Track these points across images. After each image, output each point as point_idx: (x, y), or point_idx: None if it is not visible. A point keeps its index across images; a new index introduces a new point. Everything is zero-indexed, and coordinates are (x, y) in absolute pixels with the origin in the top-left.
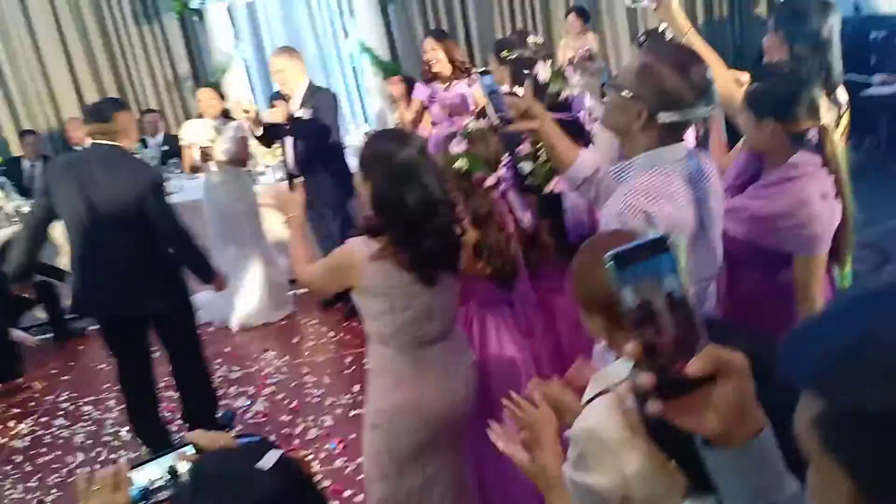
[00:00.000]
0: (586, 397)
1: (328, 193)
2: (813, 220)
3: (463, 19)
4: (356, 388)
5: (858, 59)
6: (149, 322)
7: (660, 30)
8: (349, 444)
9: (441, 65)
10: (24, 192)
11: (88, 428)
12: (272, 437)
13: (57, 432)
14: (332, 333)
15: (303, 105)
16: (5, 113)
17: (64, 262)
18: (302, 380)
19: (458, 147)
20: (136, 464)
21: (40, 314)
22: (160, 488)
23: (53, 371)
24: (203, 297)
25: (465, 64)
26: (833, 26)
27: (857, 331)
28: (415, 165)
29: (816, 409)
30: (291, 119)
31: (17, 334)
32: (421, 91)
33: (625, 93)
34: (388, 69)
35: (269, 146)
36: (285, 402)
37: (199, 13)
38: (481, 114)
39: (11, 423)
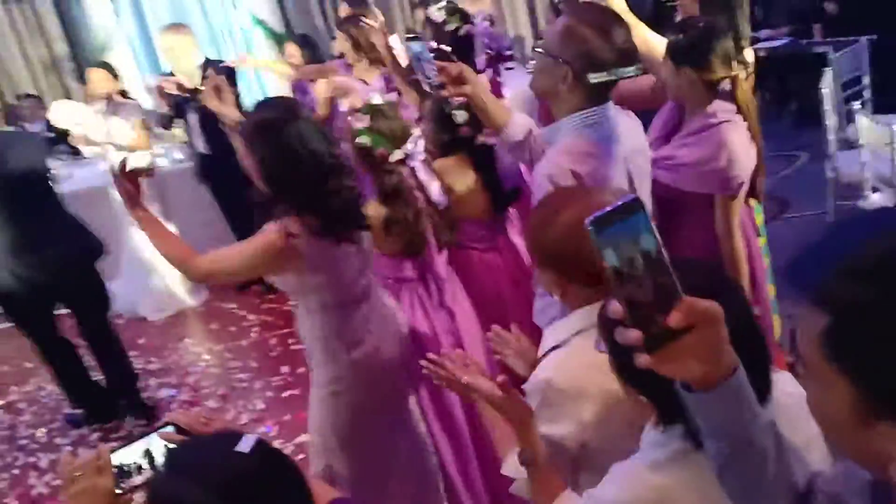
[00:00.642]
0: (541, 351)
1: (233, 170)
2: (732, 162)
3: None
4: (285, 369)
5: None
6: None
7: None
8: (284, 426)
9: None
10: None
11: (2, 433)
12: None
13: None
14: (252, 317)
15: (200, 82)
16: None
17: None
18: (227, 365)
19: (359, 123)
20: (116, 447)
21: None
22: (139, 470)
23: None
24: (112, 288)
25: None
26: None
27: (854, 250)
28: (300, 131)
29: (822, 325)
30: (194, 92)
31: None
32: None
33: (549, 56)
34: (283, 41)
35: (167, 127)
36: (212, 389)
37: None
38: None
39: None
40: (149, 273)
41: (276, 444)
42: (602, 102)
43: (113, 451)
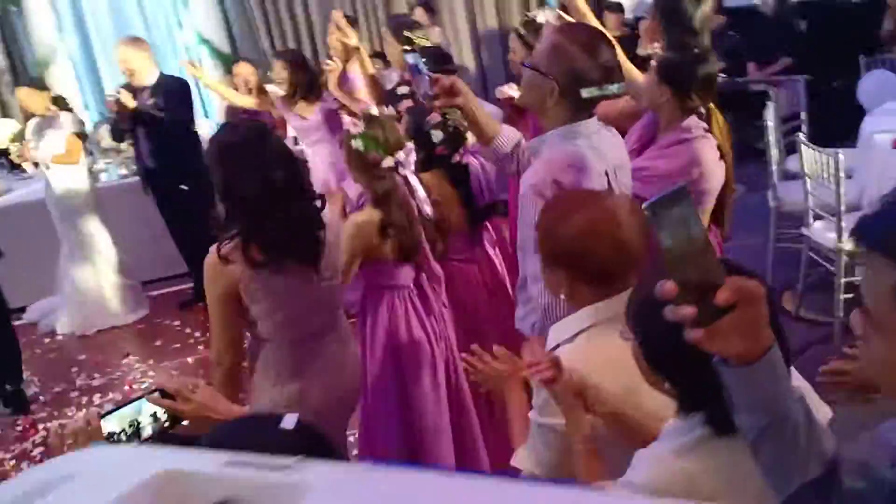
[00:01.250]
0: (547, 347)
1: (188, 194)
2: (703, 176)
3: (303, 6)
4: None
5: None
6: None
7: (538, 20)
8: None
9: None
10: None
11: None
12: None
13: None
14: (197, 334)
15: (154, 96)
16: None
17: None
18: None
19: (355, 128)
20: (105, 412)
21: None
22: (127, 435)
23: None
24: (46, 305)
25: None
26: (707, 15)
27: None
28: (250, 150)
29: (894, 277)
30: (137, 112)
31: None
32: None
33: (538, 71)
34: (229, 61)
35: (120, 140)
36: None
37: (16, 2)
38: (387, 101)
39: None
40: (82, 288)
41: None
42: (587, 117)
43: (102, 416)
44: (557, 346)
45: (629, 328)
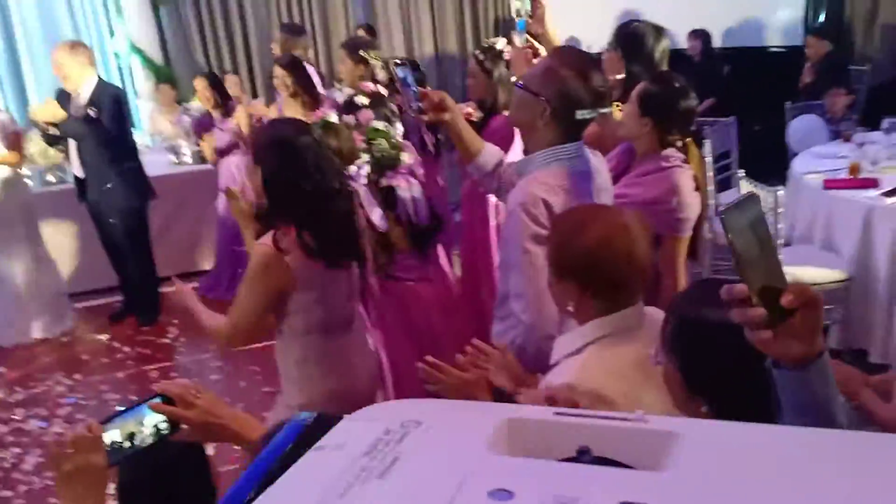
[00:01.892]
0: (554, 359)
1: (117, 198)
2: (682, 205)
3: (241, 22)
4: None
5: None
6: None
7: (497, 47)
8: None
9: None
10: None
11: None
12: None
13: None
14: (127, 348)
15: (91, 104)
16: None
17: None
18: (103, 398)
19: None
20: (105, 419)
21: None
22: (130, 443)
23: None
24: None
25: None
26: (665, 50)
27: None
28: (311, 151)
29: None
30: (69, 118)
31: None
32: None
33: (529, 92)
34: (161, 73)
35: (52, 144)
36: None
37: None
38: (347, 110)
39: None
40: (7, 297)
41: None
42: (575, 140)
43: (103, 423)
44: (565, 357)
45: (665, 352)
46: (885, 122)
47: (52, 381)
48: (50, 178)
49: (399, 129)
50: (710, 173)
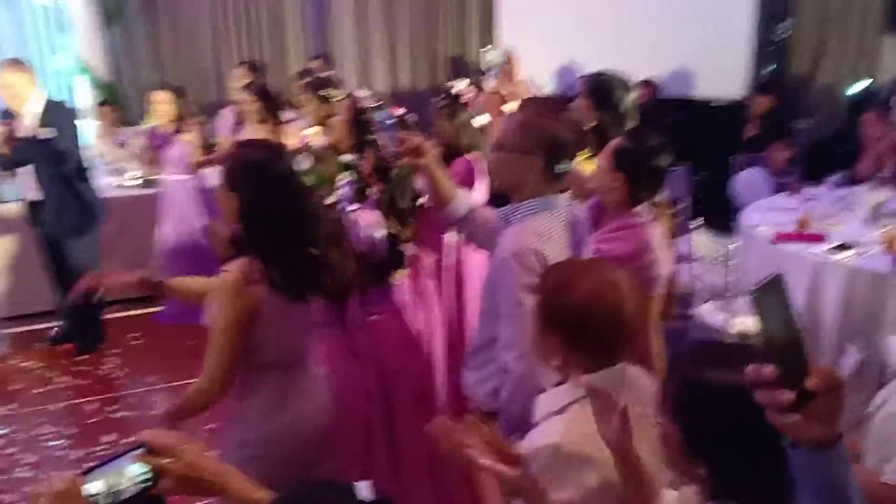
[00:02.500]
0: (537, 417)
1: (71, 218)
2: (654, 262)
3: (192, 43)
4: (109, 437)
5: None
6: None
7: (452, 91)
8: None
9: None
10: None
11: None
12: (12, 497)
13: None
14: (64, 378)
15: (43, 124)
16: None
17: None
18: (36, 431)
19: (303, 164)
20: (86, 470)
21: None
22: (110, 497)
23: None
24: None
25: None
26: (633, 102)
27: None
28: (288, 178)
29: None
30: (26, 141)
31: None
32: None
33: (514, 152)
34: (109, 92)
35: (11, 168)
36: (20, 456)
37: None
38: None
39: None
40: None
41: None
42: (561, 189)
43: (84, 473)
44: (543, 417)
45: (665, 413)
46: (831, 178)
47: None
48: None
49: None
50: None
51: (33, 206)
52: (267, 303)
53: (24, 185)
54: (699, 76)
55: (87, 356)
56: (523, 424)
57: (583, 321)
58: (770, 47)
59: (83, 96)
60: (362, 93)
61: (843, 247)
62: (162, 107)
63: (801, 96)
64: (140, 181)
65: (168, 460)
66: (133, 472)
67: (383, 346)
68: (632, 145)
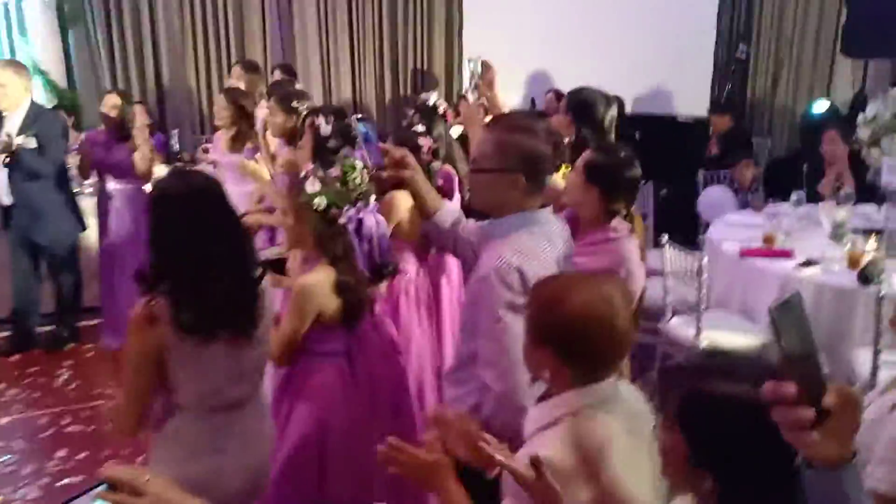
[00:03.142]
0: (527, 431)
1: (53, 227)
2: (630, 275)
3: (153, 49)
4: (61, 452)
5: None
6: None
7: (429, 104)
8: None
9: None
10: None
11: None
12: None
13: None
14: (14, 391)
15: (24, 130)
16: None
17: None
18: None
19: (312, 187)
20: None
21: None
22: None
23: None
24: None
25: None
26: (614, 117)
27: None
28: (197, 210)
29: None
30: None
31: None
32: None
33: (494, 171)
34: (64, 97)
35: None
36: None
37: None
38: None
39: None
40: None
41: None
42: (541, 204)
43: None
44: (533, 431)
45: (667, 425)
46: (794, 195)
47: None
48: None
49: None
50: None
51: (5, 210)
52: (177, 344)
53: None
54: (665, 93)
55: (35, 368)
56: (503, 442)
57: (574, 335)
58: (730, 67)
59: (39, 100)
60: (323, 121)
61: (808, 263)
62: (112, 109)
63: (759, 114)
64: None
65: (134, 498)
66: None
67: (363, 359)
68: (603, 158)
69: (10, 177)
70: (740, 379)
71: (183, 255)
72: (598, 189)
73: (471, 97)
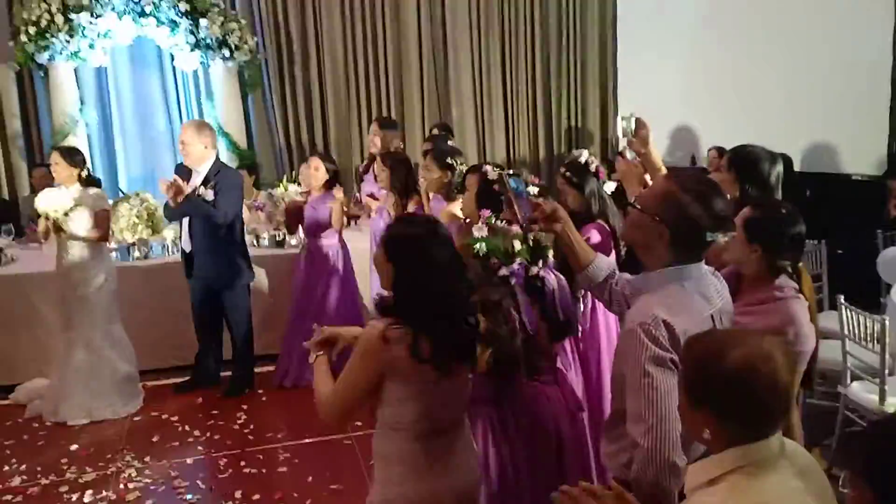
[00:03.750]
0: (687, 488)
1: (218, 275)
2: (799, 337)
3: (321, 113)
4: (238, 493)
5: None
6: None
7: (581, 160)
8: None
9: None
10: None
11: None
12: None
13: None
14: (197, 433)
15: (206, 182)
16: None
17: None
18: (172, 484)
19: (479, 232)
20: None
21: None
22: None
23: None
24: (36, 387)
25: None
26: (780, 175)
27: None
28: (443, 253)
29: None
30: (188, 197)
31: None
32: None
33: (647, 215)
34: (244, 157)
35: (171, 220)
36: None
37: (44, 69)
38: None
39: None
40: (86, 375)
41: None
42: (696, 260)
43: None
44: (693, 489)
45: (856, 480)
46: None
47: (122, 464)
48: (136, 253)
49: None
50: None
51: (187, 258)
52: (405, 363)
53: (182, 238)
54: (838, 151)
55: (216, 412)
56: (653, 499)
57: (734, 394)
58: None
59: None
60: (490, 168)
61: None
62: (316, 172)
63: None
64: (270, 242)
65: None
66: None
67: (546, 417)
68: (761, 213)
69: (190, 225)
70: None
71: (430, 294)
72: (759, 246)
73: (629, 155)
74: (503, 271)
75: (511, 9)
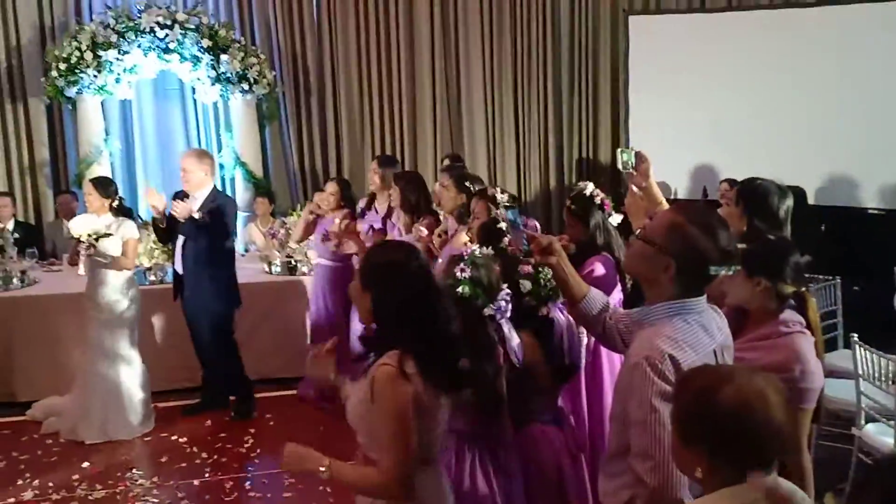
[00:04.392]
0: None
1: (207, 300)
2: (806, 373)
3: (336, 144)
4: None
5: None
6: None
7: (586, 193)
8: None
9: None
10: None
11: None
12: None
13: None
14: (204, 455)
15: (201, 208)
16: None
17: None
18: None
19: (462, 273)
20: None
21: None
22: None
23: None
24: (52, 405)
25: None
26: (789, 209)
27: None
28: (421, 277)
29: None
30: (186, 219)
31: None
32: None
33: (653, 246)
34: (260, 186)
35: (165, 242)
36: None
37: (72, 102)
38: (487, 238)
39: None
40: (105, 396)
41: None
42: (698, 295)
43: None
44: None
45: None
46: None
47: (130, 483)
48: (152, 277)
49: None
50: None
51: (177, 279)
52: (421, 399)
53: (175, 261)
54: (852, 184)
55: (225, 434)
56: None
57: (727, 433)
58: None
59: (240, 189)
60: (499, 192)
61: None
62: (331, 197)
63: None
64: (283, 269)
65: None
66: None
67: (548, 456)
68: (754, 247)
69: (183, 247)
70: None
71: (411, 316)
72: (762, 278)
73: (634, 188)
74: (488, 311)
75: (524, 43)
